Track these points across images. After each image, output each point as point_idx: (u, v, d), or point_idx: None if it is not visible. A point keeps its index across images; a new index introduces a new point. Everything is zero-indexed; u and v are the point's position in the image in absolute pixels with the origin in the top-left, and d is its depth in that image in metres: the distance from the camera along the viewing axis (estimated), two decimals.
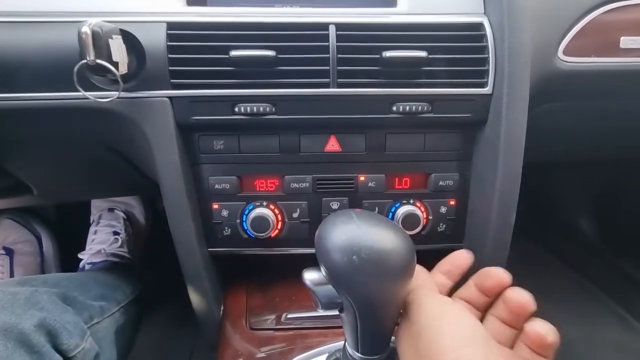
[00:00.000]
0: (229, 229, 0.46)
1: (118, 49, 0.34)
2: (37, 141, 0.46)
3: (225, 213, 0.46)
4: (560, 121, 0.53)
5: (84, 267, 0.95)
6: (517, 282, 0.32)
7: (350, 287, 0.28)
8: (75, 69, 0.32)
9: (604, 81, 0.47)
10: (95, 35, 0.31)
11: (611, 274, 1.01)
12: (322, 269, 0.30)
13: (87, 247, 0.98)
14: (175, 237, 0.44)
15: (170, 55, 0.39)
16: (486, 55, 0.41)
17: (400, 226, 0.40)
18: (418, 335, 0.28)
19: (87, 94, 0.35)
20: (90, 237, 1.01)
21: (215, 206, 0.46)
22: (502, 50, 0.40)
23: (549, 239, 1.15)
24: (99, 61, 0.31)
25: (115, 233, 1.01)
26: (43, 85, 0.37)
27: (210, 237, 0.47)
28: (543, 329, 0.29)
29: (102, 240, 0.99)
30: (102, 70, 0.33)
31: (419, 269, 0.35)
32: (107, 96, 0.36)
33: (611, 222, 1.03)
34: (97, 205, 1.06)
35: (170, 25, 0.39)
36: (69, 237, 1.03)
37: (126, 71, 0.36)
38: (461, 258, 0.36)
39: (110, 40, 0.32)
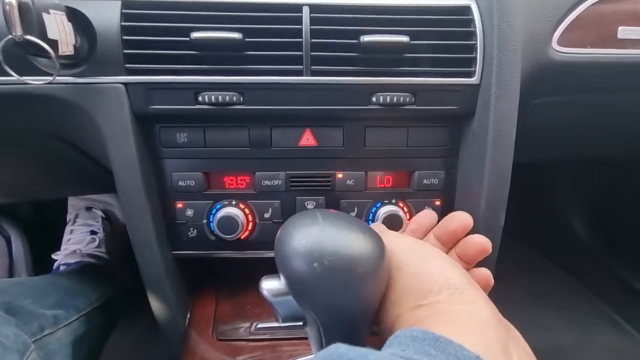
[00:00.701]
0: (195, 230, 0.43)
1: (58, 26, 0.30)
2: None
3: (190, 213, 0.42)
4: (553, 117, 0.50)
5: (58, 268, 0.90)
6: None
7: (312, 300, 0.25)
8: (0, 45, 0.28)
9: (600, 74, 0.44)
10: (23, 7, 0.26)
11: (605, 277, 1.00)
12: (282, 277, 0.26)
13: (62, 247, 0.93)
14: (133, 239, 0.40)
15: (124, 37, 0.35)
16: (474, 42, 0.37)
17: (382, 226, 0.36)
18: (398, 270, 0.28)
19: (23, 78, 0.31)
20: (66, 236, 0.96)
21: (179, 205, 0.42)
22: (491, 37, 0.37)
23: (541, 241, 1.13)
24: (28, 37, 0.27)
25: (93, 232, 0.97)
26: None
27: (173, 239, 0.43)
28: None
29: (79, 240, 0.95)
30: (36, 49, 0.29)
31: (376, 225, 0.39)
32: (45, 80, 0.32)
33: (606, 225, 1.01)
34: (74, 204, 1.01)
35: (126, 4, 0.36)
36: (45, 237, 0.99)
37: (71, 52, 0.32)
38: (427, 217, 0.38)
39: (45, 15, 0.28)
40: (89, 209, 1.02)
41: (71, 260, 0.90)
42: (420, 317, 0.24)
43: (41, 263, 0.99)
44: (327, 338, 0.26)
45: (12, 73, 0.29)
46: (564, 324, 0.91)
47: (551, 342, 0.86)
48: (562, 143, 0.58)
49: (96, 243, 0.95)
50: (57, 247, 0.92)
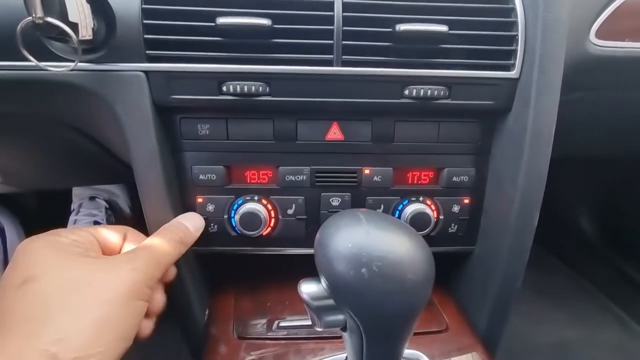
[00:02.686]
0: (215, 226, 0.41)
1: (78, 8, 0.28)
2: None
3: (210, 208, 0.40)
4: (584, 114, 0.48)
5: None
6: None
7: (358, 306, 0.23)
8: (19, 27, 0.26)
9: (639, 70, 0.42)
10: None
11: (610, 274, 1.00)
12: (323, 281, 0.25)
13: None
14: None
15: (145, 21, 0.33)
16: (515, 33, 0.35)
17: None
18: None
19: (42, 64, 0.29)
20: (69, 227, 0.95)
21: (200, 199, 0.40)
22: (534, 28, 0.35)
23: (548, 236, 1.13)
24: (48, 19, 0.25)
25: (96, 223, 0.95)
26: None
27: None
28: None
29: None
30: (56, 32, 0.26)
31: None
32: (65, 66, 0.30)
33: (613, 222, 1.00)
34: (78, 193, 1.00)
35: None
36: (43, 227, 0.96)
37: (90, 37, 0.30)
38: None
39: None
40: (92, 198, 1.00)
41: None
42: None
43: None
44: (369, 344, 0.25)
45: (31, 58, 0.27)
46: (570, 319, 0.91)
47: (557, 337, 0.86)
48: (588, 140, 0.56)
49: None
50: None
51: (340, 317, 0.25)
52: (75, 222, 0.95)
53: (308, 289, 0.25)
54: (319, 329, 0.26)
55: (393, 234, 0.24)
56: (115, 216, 0.99)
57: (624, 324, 0.92)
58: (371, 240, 0.23)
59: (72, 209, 0.98)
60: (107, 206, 0.97)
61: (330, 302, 0.25)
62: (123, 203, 1.03)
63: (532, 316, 0.91)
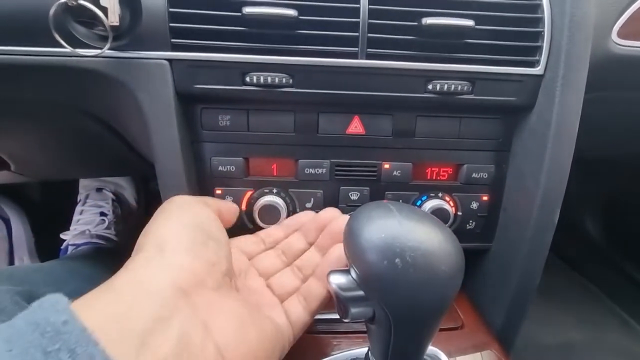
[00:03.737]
0: None
1: None
2: (9, 107, 0.40)
3: (228, 199, 0.40)
4: (601, 114, 0.48)
5: (66, 248, 0.89)
6: None
7: (390, 297, 0.23)
8: (52, 10, 0.25)
9: None
10: None
11: (615, 276, 1.00)
12: (353, 271, 0.25)
13: (72, 227, 0.92)
14: None
15: (171, 9, 0.33)
16: (540, 29, 0.35)
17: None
18: None
19: (73, 50, 0.29)
20: (75, 217, 0.95)
21: (218, 191, 0.40)
22: (561, 24, 0.34)
23: (552, 238, 1.13)
24: (81, 2, 0.25)
25: (102, 214, 0.95)
26: (14, 38, 0.31)
27: None
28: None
29: (88, 220, 0.93)
30: (86, 17, 0.26)
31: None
32: (95, 52, 0.29)
33: (617, 224, 1.00)
34: (85, 185, 1.00)
35: None
36: (48, 218, 0.96)
37: (117, 23, 0.30)
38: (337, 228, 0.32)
39: None
40: (99, 190, 1.00)
41: (79, 241, 0.88)
42: None
43: (45, 244, 0.97)
44: (397, 336, 0.25)
45: (63, 43, 0.27)
46: (574, 321, 0.92)
47: (563, 339, 0.86)
48: (606, 140, 0.56)
49: (105, 224, 0.93)
50: (60, 229, 0.90)
51: (369, 308, 0.25)
52: (81, 212, 0.95)
53: (337, 280, 0.25)
54: (346, 321, 0.26)
55: (424, 225, 0.24)
56: (121, 208, 0.99)
57: (628, 327, 0.93)
58: (404, 230, 0.23)
59: (78, 200, 0.98)
60: (114, 198, 0.97)
61: (360, 293, 0.25)
62: (129, 196, 1.03)
63: (538, 318, 0.91)
